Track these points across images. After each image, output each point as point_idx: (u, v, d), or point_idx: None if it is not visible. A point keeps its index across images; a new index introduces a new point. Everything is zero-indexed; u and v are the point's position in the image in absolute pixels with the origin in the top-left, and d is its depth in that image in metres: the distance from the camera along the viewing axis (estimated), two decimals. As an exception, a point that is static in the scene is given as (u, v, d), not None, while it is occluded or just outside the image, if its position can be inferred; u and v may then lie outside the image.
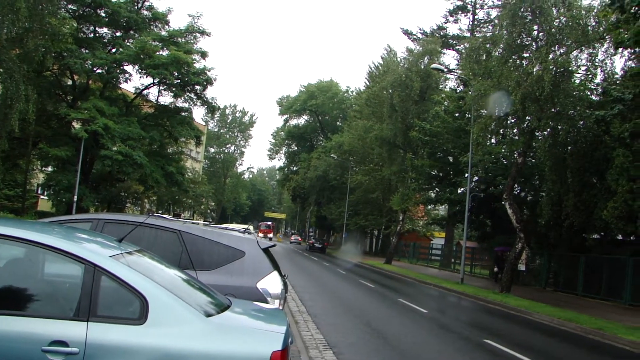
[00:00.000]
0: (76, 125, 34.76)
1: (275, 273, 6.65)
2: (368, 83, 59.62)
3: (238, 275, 6.38)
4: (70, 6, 34.71)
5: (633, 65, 20.94)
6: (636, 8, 15.70)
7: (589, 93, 23.58)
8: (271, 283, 6.48)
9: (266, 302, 6.15)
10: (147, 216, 6.91)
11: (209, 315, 3.95)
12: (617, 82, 21.82)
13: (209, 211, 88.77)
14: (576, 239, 26.10)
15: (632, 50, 19.60)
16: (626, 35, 17.06)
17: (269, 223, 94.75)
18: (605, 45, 21.23)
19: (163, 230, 6.67)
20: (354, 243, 60.16)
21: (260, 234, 63.81)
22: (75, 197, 33.10)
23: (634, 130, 18.11)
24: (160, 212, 56.26)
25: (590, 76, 22.44)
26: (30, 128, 28.90)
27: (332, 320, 13.00)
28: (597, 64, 21.47)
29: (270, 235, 79.86)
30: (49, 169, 38.22)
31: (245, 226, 8.75)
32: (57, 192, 35.46)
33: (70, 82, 36.96)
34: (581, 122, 22.76)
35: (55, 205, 36.85)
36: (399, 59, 43.16)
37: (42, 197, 45.17)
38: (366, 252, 64.13)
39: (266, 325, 4.42)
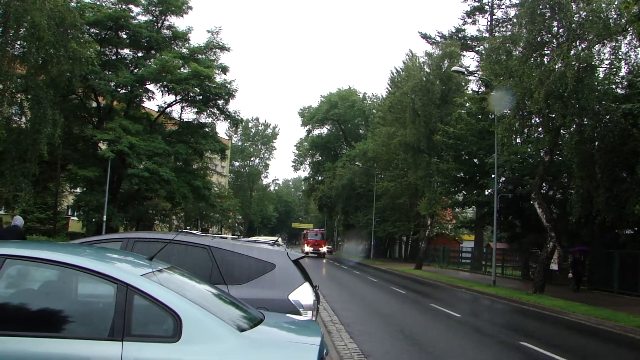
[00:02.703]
0: (102, 146, 35.28)
1: (307, 284, 6.63)
2: (390, 89, 59.50)
3: (269, 288, 6.38)
4: (92, 30, 35.33)
5: (658, 56, 20.59)
6: (658, -2, 15.41)
7: (614, 87, 23.20)
8: (303, 294, 6.47)
9: (299, 313, 6.14)
10: (176, 233, 6.96)
11: (242, 330, 3.95)
12: (643, 73, 21.45)
13: (236, 225, 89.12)
14: (609, 235, 25.64)
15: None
16: (649, 26, 16.78)
17: (318, 231, 71.77)
18: (628, 38, 20.89)
19: (193, 246, 6.70)
20: (381, 250, 59.99)
21: (308, 246, 62.66)
22: (105, 217, 33.56)
23: (663, 121, 17.77)
24: (188, 227, 56.68)
25: (614, 70, 22.09)
26: (58, 151, 29.41)
27: (366, 329, 12.92)
28: (620, 56, 21.14)
29: (324, 249, 64.87)
30: (78, 190, 38.80)
31: (274, 238, 8.75)
32: (86, 212, 36.00)
33: (95, 104, 37.61)
34: (607, 117, 22.37)
35: (86, 226, 37.37)
36: (420, 63, 42.98)
37: (72, 218, 45.85)
38: (395, 258, 63.78)
39: (300, 337, 4.40)
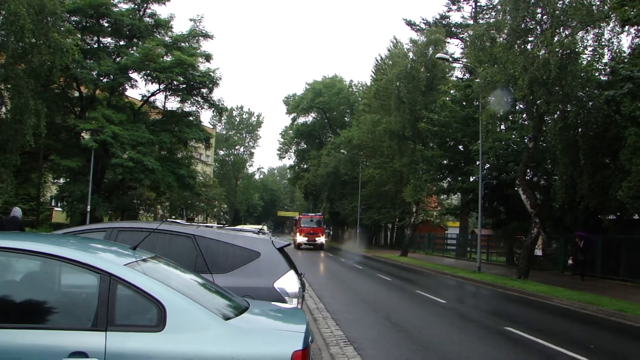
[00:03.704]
0: (85, 135, 34.97)
1: (292, 272, 6.63)
2: (375, 76, 59.45)
3: (255, 276, 6.38)
4: (73, 18, 34.88)
5: (640, 42, 20.71)
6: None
7: (597, 73, 23.33)
8: (288, 282, 6.47)
9: (284, 301, 6.14)
10: (160, 222, 6.92)
11: (227, 318, 3.93)
12: (625, 60, 21.55)
13: (221, 213, 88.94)
14: (592, 220, 25.88)
15: (639, 28, 19.36)
16: (632, 13, 16.89)
17: (314, 216, 56.12)
18: (611, 24, 20.99)
19: (177, 236, 6.68)
20: (366, 238, 60.05)
21: (301, 236, 50.84)
22: (89, 207, 33.33)
23: (645, 108, 17.91)
24: (173, 217, 56.46)
25: (597, 56, 22.21)
26: (41, 141, 29.10)
27: (352, 316, 12.97)
28: (603, 43, 21.22)
29: (322, 239, 51.86)
30: (61, 180, 38.49)
31: (260, 226, 8.75)
32: (70, 203, 35.73)
33: (77, 94, 37.22)
34: (591, 103, 22.54)
35: (70, 216, 37.10)
36: (405, 50, 42.95)
37: (56, 209, 45.50)
38: (381, 246, 63.99)
39: (285, 325, 4.40)
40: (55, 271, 4.09)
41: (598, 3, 20.40)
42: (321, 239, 51.29)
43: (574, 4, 20.18)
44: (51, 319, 3.82)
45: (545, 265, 28.67)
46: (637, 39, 21.26)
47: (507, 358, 9.58)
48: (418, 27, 49.97)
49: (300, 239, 50.71)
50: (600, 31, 20.94)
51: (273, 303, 5.34)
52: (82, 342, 3.57)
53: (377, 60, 60.31)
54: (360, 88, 77.27)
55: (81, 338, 3.60)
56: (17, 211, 14.71)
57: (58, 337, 3.60)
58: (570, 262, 24.85)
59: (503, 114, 24.50)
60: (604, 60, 22.61)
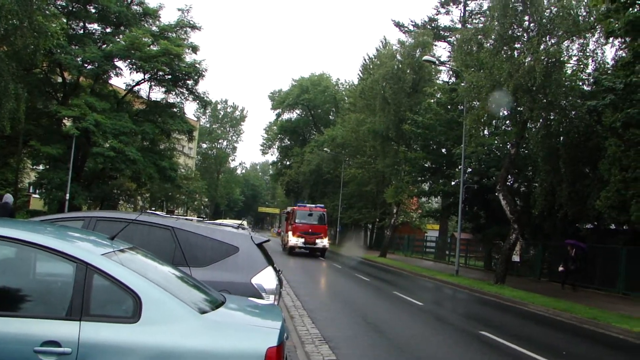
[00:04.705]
0: (67, 122, 34.55)
1: (270, 268, 6.62)
2: (361, 75, 59.49)
3: (232, 271, 6.35)
4: (59, 2, 34.46)
5: (624, 54, 20.95)
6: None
7: (580, 83, 23.61)
8: (266, 278, 6.45)
9: (261, 297, 6.13)
10: (139, 213, 6.87)
11: (203, 312, 3.91)
12: (609, 71, 21.82)
13: (202, 207, 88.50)
14: (570, 229, 26.16)
15: (623, 40, 19.60)
16: (616, 25, 17.09)
17: (316, 208, 40.58)
18: (596, 35, 21.35)
19: (156, 227, 6.63)
20: (348, 237, 60.02)
21: (295, 237, 37.61)
22: (68, 195, 32.94)
23: (626, 120, 18.11)
24: (153, 208, 56.08)
25: (581, 66, 22.52)
26: (21, 126, 28.70)
27: (328, 315, 12.99)
28: (588, 53, 21.59)
29: (325, 242, 38.39)
30: (41, 167, 38.01)
31: (239, 221, 8.69)
32: (49, 190, 35.27)
33: (60, 79, 36.74)
34: (573, 112, 22.80)
35: (48, 204, 36.66)
36: (393, 51, 43.04)
37: (34, 195, 44.90)
38: (361, 246, 64.15)
39: (261, 321, 4.38)
40: (31, 259, 4.03)
41: (584, 14, 20.70)
42: (324, 242, 37.94)
43: (561, 14, 20.46)
44: (24, 307, 3.78)
45: (522, 272, 28.95)
46: (621, 51, 21.52)
47: (481, 362, 9.65)
48: (406, 29, 50.13)
49: (294, 240, 37.50)
50: (585, 41, 21.28)
51: (250, 299, 5.33)
52: (55, 331, 3.53)
53: (364, 60, 60.32)
54: (347, 87, 77.28)
55: (54, 327, 3.56)
56: (8, 197, 14.72)
57: (30, 325, 3.55)
58: (560, 268, 23.84)
59: (487, 120, 24.61)
60: (587, 71, 22.94)
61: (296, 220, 38.16)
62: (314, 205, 41.64)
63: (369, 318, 12.98)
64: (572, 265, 23.19)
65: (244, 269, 6.41)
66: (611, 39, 19.52)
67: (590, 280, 24.04)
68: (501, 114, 25.41)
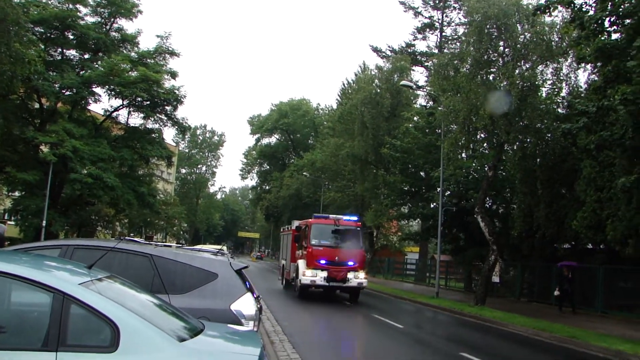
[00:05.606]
0: (44, 148, 34.20)
1: (249, 294, 6.61)
2: (340, 100, 59.88)
3: (211, 298, 6.33)
4: (37, 29, 34.34)
5: (596, 78, 21.44)
6: (595, 25, 16.13)
7: (555, 106, 24.03)
8: (245, 304, 6.44)
9: (241, 324, 6.11)
10: (118, 241, 6.83)
11: (182, 340, 3.90)
12: (582, 95, 22.29)
13: (181, 232, 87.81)
14: (548, 249, 26.41)
15: (594, 65, 20.09)
16: (587, 51, 17.51)
17: (345, 223, 24.37)
18: (569, 60, 21.86)
19: (134, 255, 6.60)
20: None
21: (311, 268, 22.89)
22: (44, 222, 32.46)
23: (599, 142, 18.47)
24: (132, 234, 55.51)
25: (556, 90, 23.00)
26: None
27: (309, 339, 12.93)
28: (562, 78, 22.09)
29: (362, 277, 23.23)
30: (17, 194, 37.48)
31: (219, 247, 8.66)
32: (25, 217, 34.74)
33: (37, 106, 36.42)
34: (549, 135, 23.17)
35: (24, 231, 36.03)
36: (371, 76, 43.52)
37: (9, 222, 44.21)
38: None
39: (240, 347, 4.38)
40: (6, 289, 3.98)
41: (557, 39, 21.19)
42: (359, 278, 23.25)
43: (535, 39, 20.93)
44: (-1, 339, 3.72)
45: (502, 292, 29.06)
46: (593, 75, 22.02)
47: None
48: (384, 54, 50.80)
49: (310, 274, 22.99)
50: (559, 66, 21.79)
51: (229, 325, 5.31)
52: (31, 363, 3.48)
53: (343, 84, 60.79)
54: (326, 111, 77.71)
55: (30, 358, 3.52)
56: (0, 227, 14.46)
57: (4, 357, 3.51)
58: (556, 292, 22.91)
59: (464, 143, 24.87)
60: (562, 94, 23.38)
61: (313, 242, 23.33)
62: (342, 217, 25.60)
63: (350, 341, 12.93)
64: (568, 287, 22.38)
65: (223, 296, 6.40)
66: (583, 64, 20.01)
67: (569, 300, 24.17)
68: (478, 136, 25.68)
